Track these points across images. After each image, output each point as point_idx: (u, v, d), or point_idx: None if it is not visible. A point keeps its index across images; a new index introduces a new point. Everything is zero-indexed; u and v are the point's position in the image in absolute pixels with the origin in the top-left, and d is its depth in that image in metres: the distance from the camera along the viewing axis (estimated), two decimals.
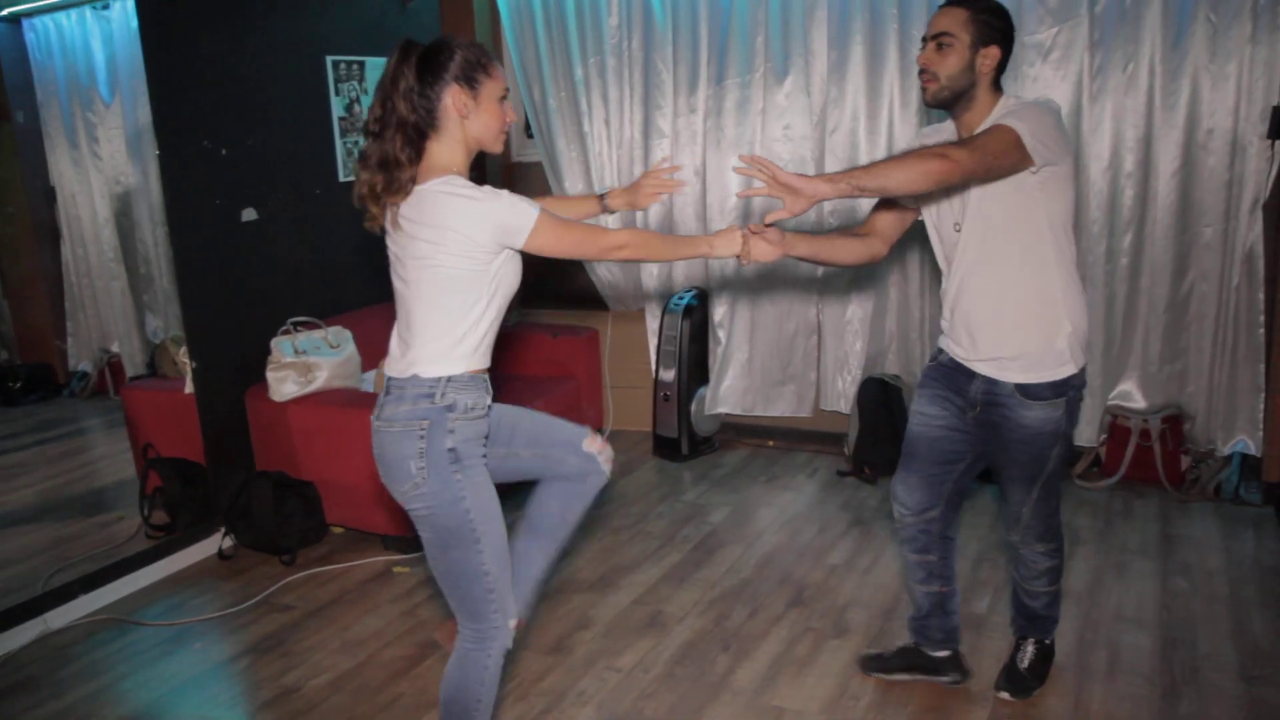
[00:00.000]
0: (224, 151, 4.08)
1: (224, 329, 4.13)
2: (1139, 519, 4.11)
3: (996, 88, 2.55)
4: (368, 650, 3.36)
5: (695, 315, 4.95)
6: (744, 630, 3.40)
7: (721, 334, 5.00)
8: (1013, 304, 2.57)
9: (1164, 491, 4.32)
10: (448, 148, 2.21)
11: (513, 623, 2.32)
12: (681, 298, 4.98)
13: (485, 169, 5.34)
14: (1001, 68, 2.54)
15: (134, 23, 3.82)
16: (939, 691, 2.99)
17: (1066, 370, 2.58)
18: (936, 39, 2.50)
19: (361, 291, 4.78)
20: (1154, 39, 4.08)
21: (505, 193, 2.15)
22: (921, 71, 2.54)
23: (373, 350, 4.35)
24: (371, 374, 4.33)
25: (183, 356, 4.09)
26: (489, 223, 2.11)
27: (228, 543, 4.10)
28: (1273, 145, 4.02)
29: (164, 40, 3.84)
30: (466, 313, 2.18)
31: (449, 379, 2.19)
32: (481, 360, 2.25)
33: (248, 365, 4.18)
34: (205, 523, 4.12)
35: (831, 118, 4.62)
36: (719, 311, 4.99)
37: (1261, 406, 4.17)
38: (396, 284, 2.26)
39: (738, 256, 2.47)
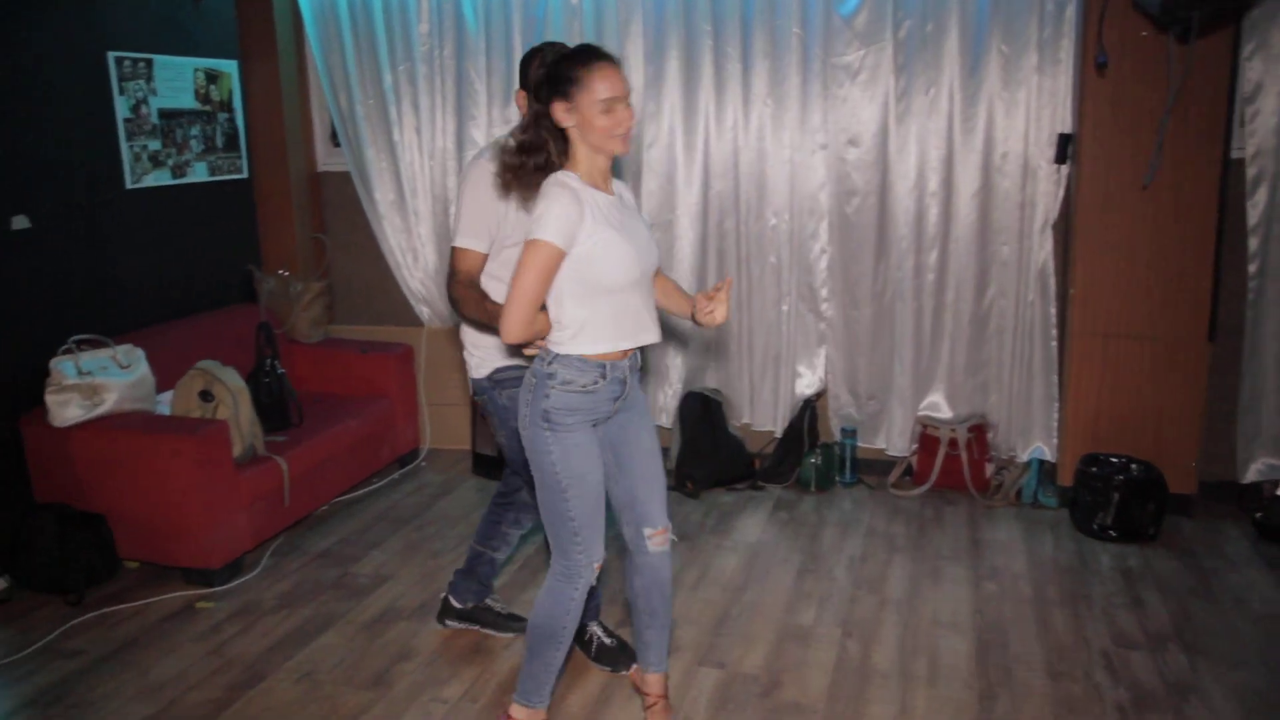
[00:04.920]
0: None
1: None
2: (950, 525, 4.27)
3: None
4: (168, 696, 3.09)
5: None
6: (573, 652, 3.31)
7: None
8: None
9: (971, 498, 4.52)
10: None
11: (596, 565, 2.62)
12: None
13: (289, 175, 5.08)
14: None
15: None
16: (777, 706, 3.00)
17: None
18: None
19: (156, 307, 4.45)
20: (953, 66, 4.28)
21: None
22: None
23: (168, 370, 4.03)
24: (168, 395, 4.00)
25: None
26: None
27: (2, 584, 3.70)
28: (1059, 169, 4.28)
29: None
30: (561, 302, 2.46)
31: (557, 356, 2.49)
32: (589, 347, 2.47)
33: (19, 388, 3.80)
34: None
35: (648, 132, 4.61)
36: None
37: (1056, 415, 4.43)
38: None
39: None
